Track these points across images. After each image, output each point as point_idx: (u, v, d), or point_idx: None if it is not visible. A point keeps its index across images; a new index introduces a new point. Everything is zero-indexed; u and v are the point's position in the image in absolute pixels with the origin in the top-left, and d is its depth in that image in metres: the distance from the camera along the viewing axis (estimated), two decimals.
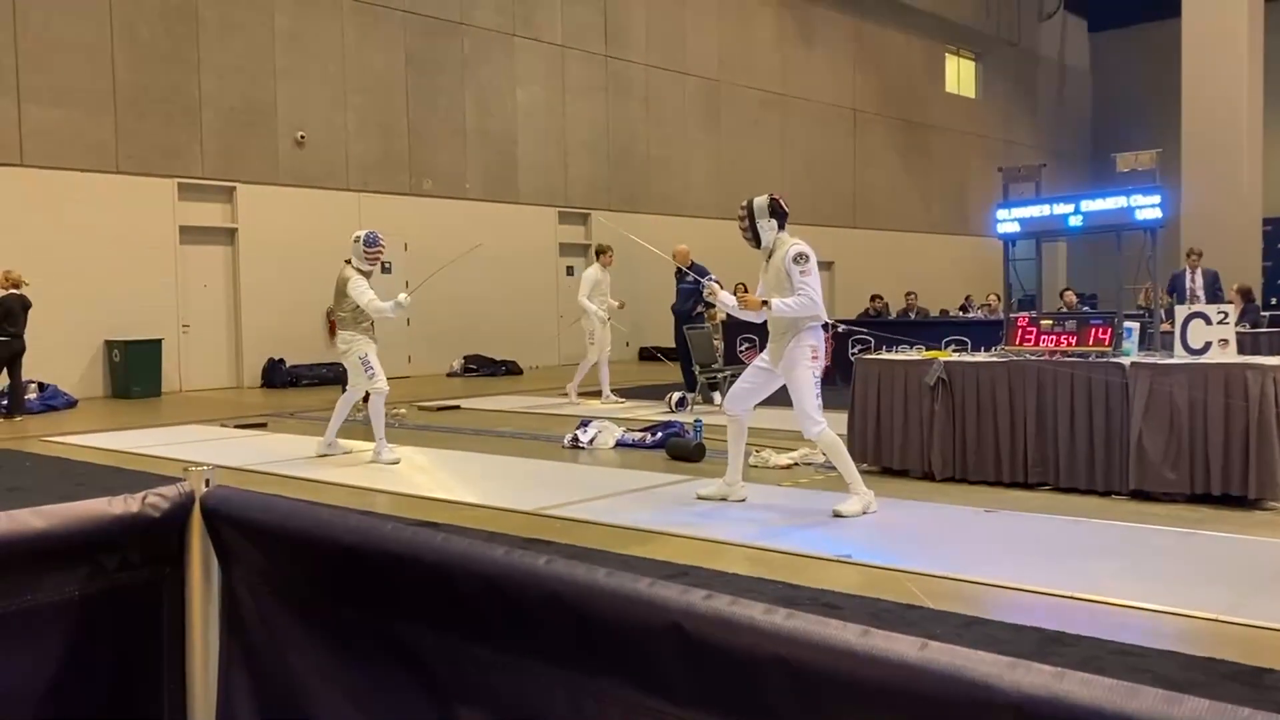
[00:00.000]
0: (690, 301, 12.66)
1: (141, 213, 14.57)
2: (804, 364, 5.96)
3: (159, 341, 14.38)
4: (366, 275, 8.17)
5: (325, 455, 8.53)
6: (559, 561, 1.08)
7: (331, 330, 16.22)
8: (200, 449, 9.27)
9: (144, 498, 1.37)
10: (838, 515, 5.96)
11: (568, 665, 1.09)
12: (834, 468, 7.65)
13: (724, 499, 6.41)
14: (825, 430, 5.98)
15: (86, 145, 14.11)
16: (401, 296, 8.18)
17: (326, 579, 1.31)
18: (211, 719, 1.41)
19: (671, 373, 13.79)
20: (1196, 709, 0.71)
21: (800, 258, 5.98)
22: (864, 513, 6.00)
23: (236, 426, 10.83)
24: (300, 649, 1.34)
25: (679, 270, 12.56)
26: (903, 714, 0.84)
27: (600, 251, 12.74)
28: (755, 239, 6.15)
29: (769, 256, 6.16)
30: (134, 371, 14.10)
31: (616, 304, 12.56)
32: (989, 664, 0.80)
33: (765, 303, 5.95)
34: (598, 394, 12.57)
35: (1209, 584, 4.65)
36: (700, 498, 6.52)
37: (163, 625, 1.41)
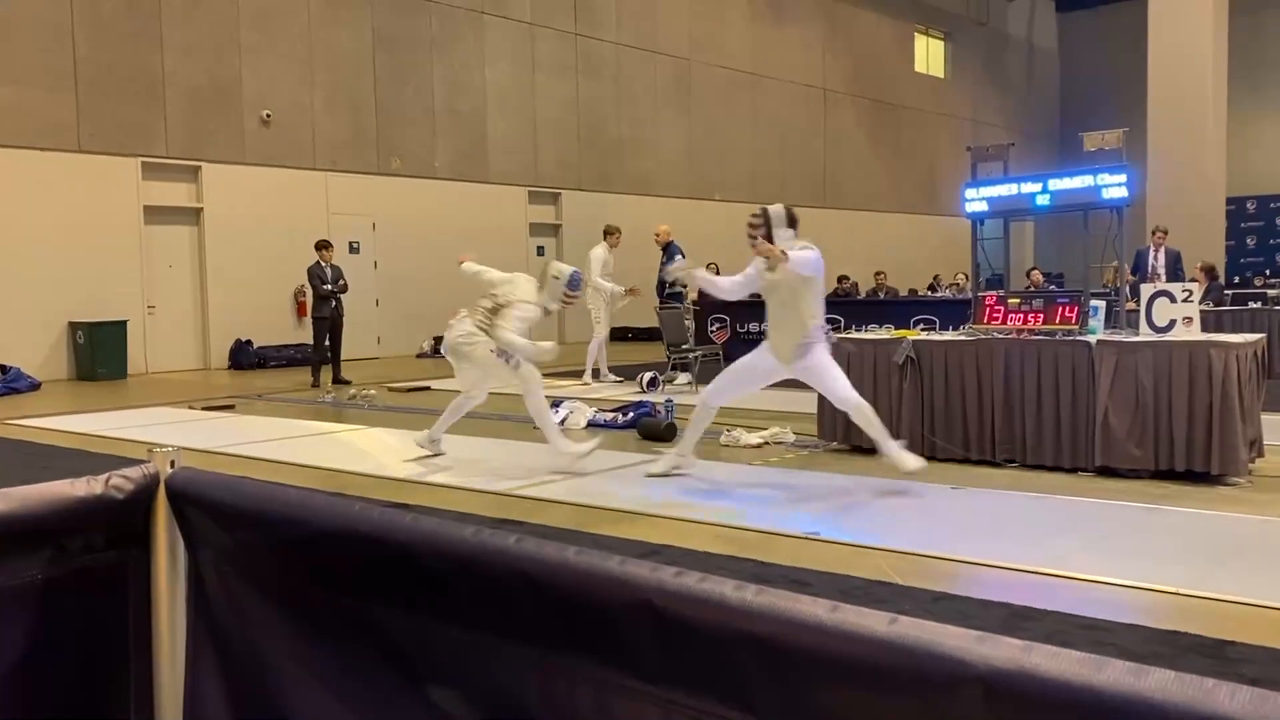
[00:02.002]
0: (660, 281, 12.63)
1: (105, 193, 14.37)
2: (827, 359, 6.18)
3: (124, 323, 14.22)
4: (547, 313, 7.07)
5: (433, 455, 7.35)
6: (529, 541, 1.08)
7: (301, 310, 16.12)
8: (167, 431, 9.18)
9: (107, 479, 1.35)
10: (910, 474, 6.11)
11: (539, 644, 1.09)
12: (805, 447, 7.72)
13: (675, 469, 6.58)
14: (859, 401, 6.19)
15: (47, 124, 13.88)
16: (548, 346, 6.94)
17: (294, 560, 1.30)
18: (179, 701, 1.40)
19: (642, 352, 13.79)
20: (1162, 681, 0.72)
21: (806, 248, 6.04)
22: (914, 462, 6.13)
23: (204, 408, 10.74)
24: (268, 630, 1.33)
25: (664, 249, 12.58)
26: (873, 688, 0.84)
27: (608, 232, 12.54)
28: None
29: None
30: (99, 353, 13.93)
31: (623, 290, 12.26)
32: (957, 638, 0.80)
33: (783, 252, 5.84)
34: (579, 374, 12.51)
35: (1173, 558, 4.72)
36: (650, 476, 6.62)
37: (128, 608, 1.39)
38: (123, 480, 1.37)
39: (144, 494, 1.38)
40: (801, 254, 5.90)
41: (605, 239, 12.46)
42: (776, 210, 6.21)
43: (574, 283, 6.98)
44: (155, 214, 15.02)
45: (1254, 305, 13.47)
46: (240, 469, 7.00)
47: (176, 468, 1.41)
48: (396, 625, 1.21)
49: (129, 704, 1.40)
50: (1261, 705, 0.68)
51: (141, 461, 1.41)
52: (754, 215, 6.23)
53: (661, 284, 12.70)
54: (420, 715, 1.19)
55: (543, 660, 1.09)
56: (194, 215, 15.54)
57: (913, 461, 6.14)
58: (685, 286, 15.49)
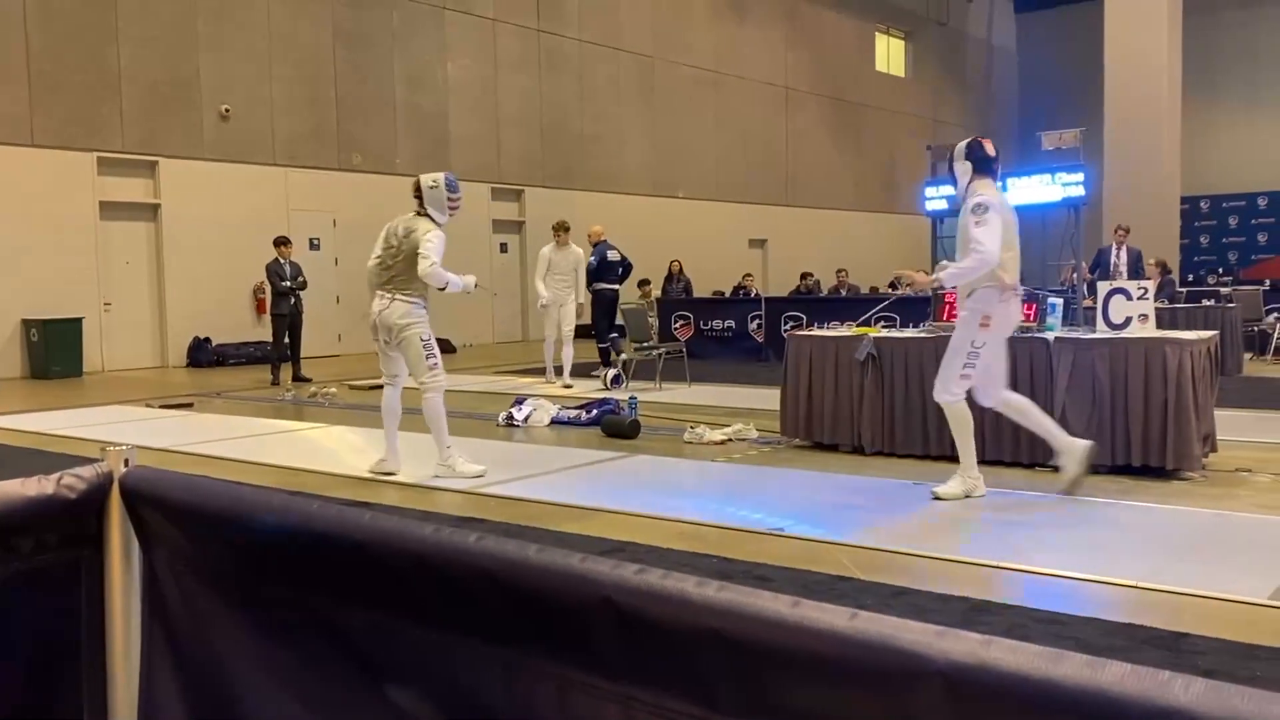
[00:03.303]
0: (589, 278, 12.47)
1: (59, 188, 14.14)
2: (969, 327, 5.53)
3: (79, 320, 14.00)
4: (440, 227, 6.61)
5: (389, 474, 6.83)
6: (489, 538, 1.07)
7: (260, 308, 15.94)
8: (123, 430, 9.05)
9: (59, 478, 1.33)
10: (936, 498, 5.66)
11: (500, 642, 1.08)
12: (768, 444, 7.74)
13: (966, 496, 5.73)
14: (957, 402, 5.62)
15: None
16: (471, 279, 6.76)
17: (251, 560, 1.28)
18: (133, 702, 1.38)
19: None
20: (1119, 673, 0.73)
21: (978, 208, 5.38)
22: (966, 496, 5.67)
23: (161, 407, 10.60)
24: (225, 631, 1.32)
25: (594, 247, 12.56)
26: (834, 683, 0.84)
27: (554, 229, 12.34)
28: (955, 184, 5.79)
29: (960, 209, 5.67)
30: (53, 351, 13.71)
31: (544, 291, 11.88)
32: (917, 633, 0.80)
33: (937, 280, 5.52)
34: (541, 371, 12.44)
35: (1129, 552, 4.78)
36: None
37: (81, 609, 1.37)
38: (75, 479, 1.34)
39: (97, 493, 1.36)
40: (955, 268, 5.40)
41: (554, 237, 12.23)
42: (959, 146, 5.71)
43: (451, 184, 6.68)
44: (111, 210, 14.80)
45: (1207, 303, 13.69)
46: (199, 468, 6.92)
47: (131, 466, 1.38)
48: (356, 624, 1.20)
49: (82, 705, 1.38)
50: (1216, 697, 0.69)
51: (95, 460, 1.39)
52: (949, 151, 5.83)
53: (589, 280, 12.49)
54: (380, 715, 1.18)
55: (503, 658, 1.08)
56: (151, 211, 15.33)
57: (957, 487, 5.68)
58: (647, 287, 15.56)
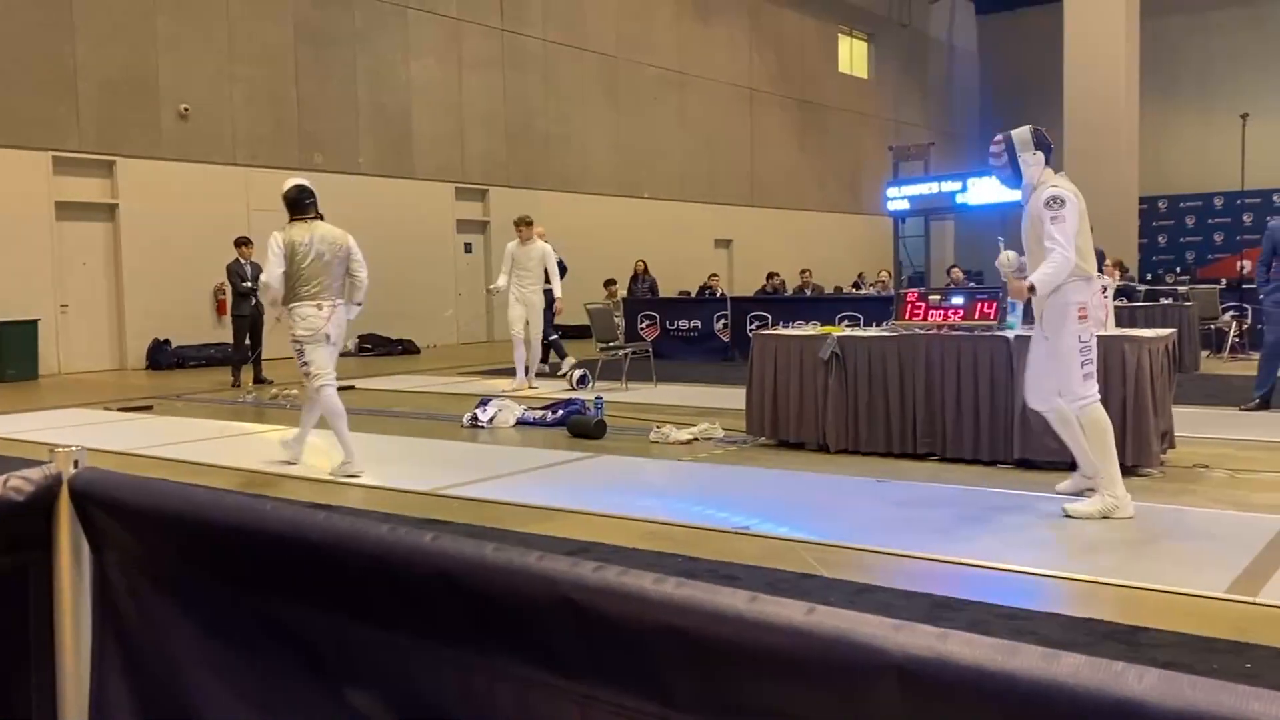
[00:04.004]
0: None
1: (13, 187, 13.91)
2: (1069, 326, 5.17)
3: (35, 322, 13.78)
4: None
5: (352, 476, 6.77)
6: (445, 538, 1.06)
7: (220, 309, 15.77)
8: (80, 433, 8.92)
9: (5, 481, 1.30)
10: (1067, 515, 5.21)
11: (457, 643, 1.07)
12: (734, 443, 7.76)
13: (1104, 517, 5.21)
14: (1092, 406, 5.18)
15: None
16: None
17: (203, 562, 1.26)
18: (83, 706, 1.35)
19: (572, 349, 13.70)
20: (1073, 664, 0.73)
21: (1052, 202, 5.07)
22: (1103, 517, 5.18)
23: (120, 410, 10.46)
24: (177, 633, 1.29)
25: None
26: (791, 678, 0.84)
27: (515, 224, 12.09)
28: (1015, 176, 5.31)
29: (1028, 199, 5.31)
30: (8, 353, 13.49)
31: (502, 281, 11.78)
32: (874, 626, 0.80)
33: (1031, 287, 5.07)
34: (511, 373, 12.29)
35: (1090, 548, 4.83)
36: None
37: (29, 612, 1.34)
38: (22, 482, 1.31)
39: (45, 496, 1.33)
40: (1043, 274, 5.03)
41: (516, 232, 12.04)
42: (1020, 133, 5.28)
43: None
44: (68, 210, 14.58)
45: (1165, 301, 13.88)
46: (158, 471, 6.83)
47: (80, 468, 1.35)
48: (311, 626, 1.18)
49: (30, 709, 1.35)
50: (1168, 687, 0.69)
51: (43, 462, 1.36)
52: (995, 143, 5.36)
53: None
54: (336, 717, 1.17)
55: (461, 659, 1.07)
56: (109, 211, 15.12)
57: (1094, 506, 5.21)
58: (613, 287, 15.61)
